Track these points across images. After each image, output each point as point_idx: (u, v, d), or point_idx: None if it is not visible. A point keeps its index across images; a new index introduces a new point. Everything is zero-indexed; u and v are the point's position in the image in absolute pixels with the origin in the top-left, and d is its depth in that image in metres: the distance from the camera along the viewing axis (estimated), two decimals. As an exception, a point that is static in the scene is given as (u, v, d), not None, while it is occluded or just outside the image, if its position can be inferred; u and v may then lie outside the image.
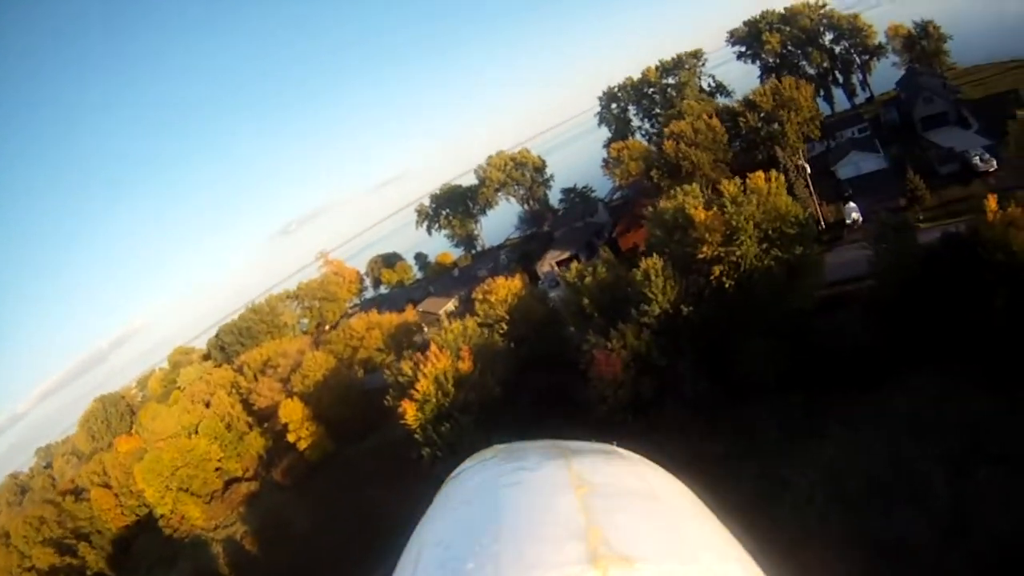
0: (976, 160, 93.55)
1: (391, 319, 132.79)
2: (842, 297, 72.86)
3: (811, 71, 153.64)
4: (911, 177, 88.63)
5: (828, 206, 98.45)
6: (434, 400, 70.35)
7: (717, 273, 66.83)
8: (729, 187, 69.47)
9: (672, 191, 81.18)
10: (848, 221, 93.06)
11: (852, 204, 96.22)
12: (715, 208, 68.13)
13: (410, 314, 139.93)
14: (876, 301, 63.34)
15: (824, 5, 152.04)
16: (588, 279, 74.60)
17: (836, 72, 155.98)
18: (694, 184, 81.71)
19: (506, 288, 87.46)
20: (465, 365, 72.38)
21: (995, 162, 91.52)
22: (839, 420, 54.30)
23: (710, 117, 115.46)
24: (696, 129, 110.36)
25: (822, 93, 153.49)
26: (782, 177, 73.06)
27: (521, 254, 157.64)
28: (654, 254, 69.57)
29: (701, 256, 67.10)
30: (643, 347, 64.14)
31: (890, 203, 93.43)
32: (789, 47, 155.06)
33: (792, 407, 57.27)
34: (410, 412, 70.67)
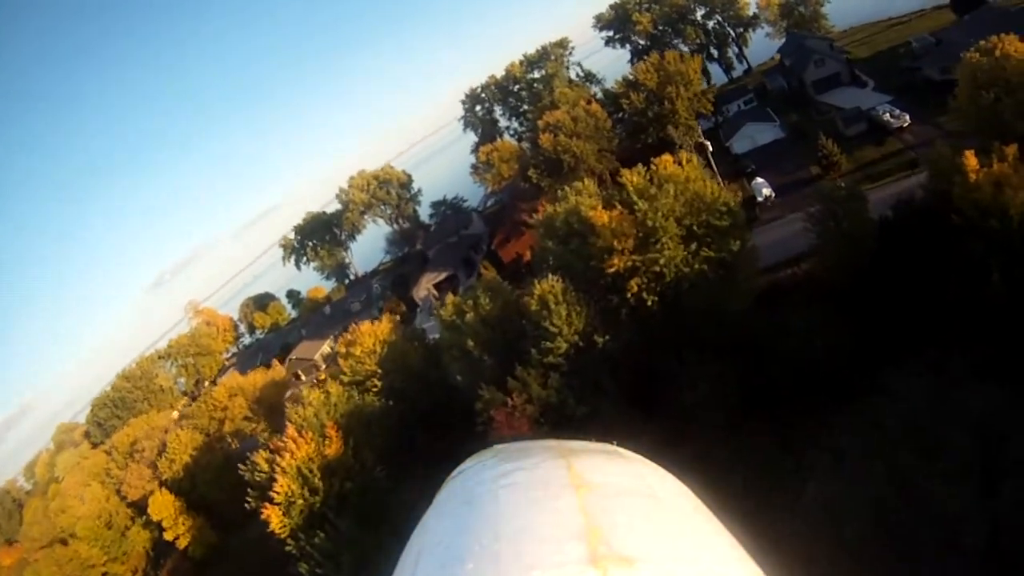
0: (887, 117, 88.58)
1: (255, 380, 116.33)
2: (779, 287, 64.27)
3: (685, 48, 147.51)
4: (824, 142, 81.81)
5: (731, 184, 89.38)
6: (300, 500, 55.21)
7: (635, 288, 55.52)
8: (632, 177, 58.40)
9: (558, 191, 69.02)
10: (760, 199, 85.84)
11: (760, 180, 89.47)
12: (619, 207, 56.12)
13: (276, 371, 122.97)
14: (827, 289, 54.96)
15: None
16: (469, 315, 61.87)
17: (711, 48, 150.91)
18: (586, 180, 69.49)
19: (372, 335, 73.40)
20: (333, 446, 57.83)
21: (907, 117, 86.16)
22: (821, 448, 44.10)
23: (588, 103, 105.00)
24: (575, 117, 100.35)
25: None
26: (695, 158, 62.22)
27: (395, 280, 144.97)
28: (549, 275, 57.55)
29: (611, 269, 55.51)
30: (553, 395, 52.05)
31: (800, 173, 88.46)
32: (660, 27, 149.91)
33: (759, 441, 45.52)
34: (274, 519, 55.84)
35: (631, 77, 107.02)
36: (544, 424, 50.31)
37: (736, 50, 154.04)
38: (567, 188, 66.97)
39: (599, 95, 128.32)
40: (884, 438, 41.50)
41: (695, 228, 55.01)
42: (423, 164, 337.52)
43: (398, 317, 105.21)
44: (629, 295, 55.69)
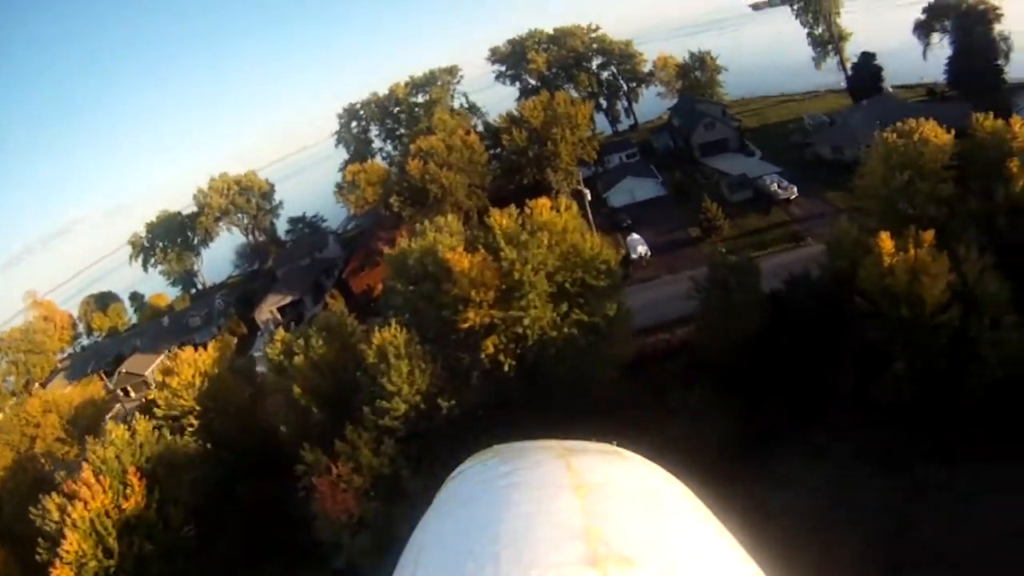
0: (774, 187, 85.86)
1: (71, 397, 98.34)
2: (650, 353, 58.90)
3: (576, 95, 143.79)
4: (707, 204, 77.61)
5: (605, 238, 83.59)
6: (93, 562, 43.93)
7: (491, 349, 47.63)
8: (502, 220, 50.78)
9: (419, 224, 60.08)
10: (634, 256, 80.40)
11: (636, 236, 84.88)
12: (483, 251, 47.86)
13: (94, 388, 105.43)
14: (707, 361, 50.30)
15: (597, 28, 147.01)
16: (299, 357, 51.73)
17: (601, 98, 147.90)
18: (450, 216, 60.54)
19: (193, 364, 61.34)
20: (134, 497, 46.22)
21: (795, 189, 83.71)
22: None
23: (467, 134, 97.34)
24: (450, 146, 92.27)
25: None
26: (574, 206, 55.19)
27: (239, 297, 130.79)
28: (394, 321, 48.75)
29: (466, 324, 47.49)
30: (386, 465, 43.54)
31: (679, 233, 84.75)
32: (554, 69, 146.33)
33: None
34: (63, 583, 42.81)
35: (517, 113, 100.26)
36: (373, 498, 42.28)
37: (625, 104, 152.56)
38: (427, 222, 57.95)
39: (480, 128, 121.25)
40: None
41: (568, 286, 47.84)
42: (294, 176, 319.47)
43: (235, 340, 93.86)
44: (484, 355, 47.54)
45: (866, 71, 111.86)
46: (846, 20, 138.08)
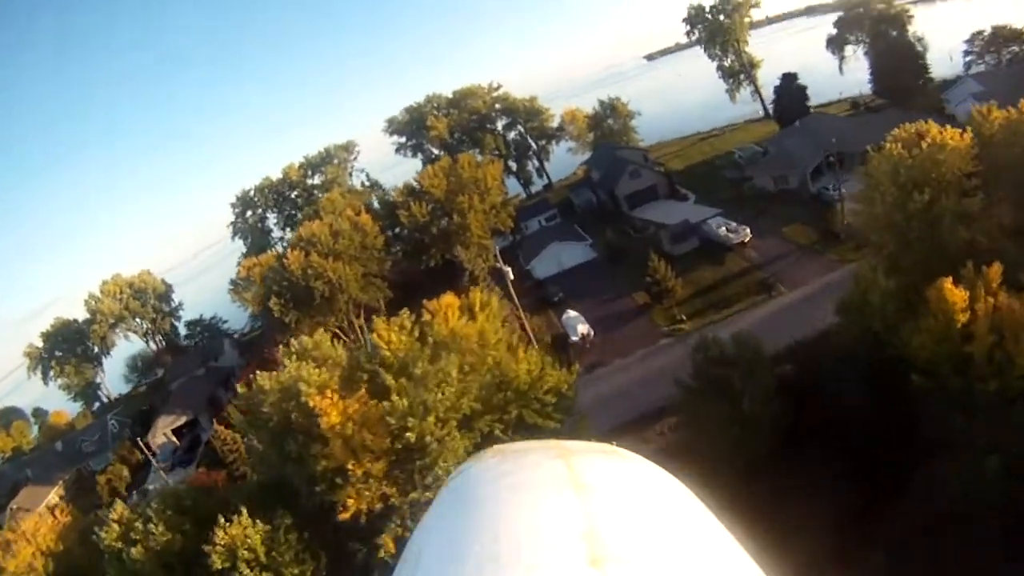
0: (723, 231, 72.44)
1: None
2: None
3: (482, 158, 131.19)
4: (655, 264, 61.39)
5: (533, 319, 68.59)
6: None
7: (391, 544, 31.43)
8: (389, 336, 35.34)
9: (292, 342, 42.80)
10: (574, 338, 64.91)
11: (573, 313, 69.12)
12: (366, 387, 32.02)
13: None
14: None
15: (499, 87, 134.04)
16: (139, 542, 36.65)
17: (510, 161, 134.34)
18: (319, 333, 42.76)
19: (34, 542, 47.42)
20: None
21: (748, 231, 71.16)
22: None
23: (358, 213, 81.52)
24: (336, 231, 75.74)
25: None
26: (494, 300, 40.07)
27: (136, 415, 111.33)
28: (245, 508, 33.82)
29: (346, 513, 32.06)
30: None
31: (623, 302, 70.24)
32: (457, 135, 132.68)
33: None
34: None
35: (415, 184, 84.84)
36: None
37: (537, 164, 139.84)
38: (293, 343, 40.98)
39: (383, 196, 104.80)
40: None
41: (500, 433, 31.49)
42: (200, 276, 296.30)
43: (126, 472, 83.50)
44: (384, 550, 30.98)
45: (790, 93, 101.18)
46: (752, 50, 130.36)
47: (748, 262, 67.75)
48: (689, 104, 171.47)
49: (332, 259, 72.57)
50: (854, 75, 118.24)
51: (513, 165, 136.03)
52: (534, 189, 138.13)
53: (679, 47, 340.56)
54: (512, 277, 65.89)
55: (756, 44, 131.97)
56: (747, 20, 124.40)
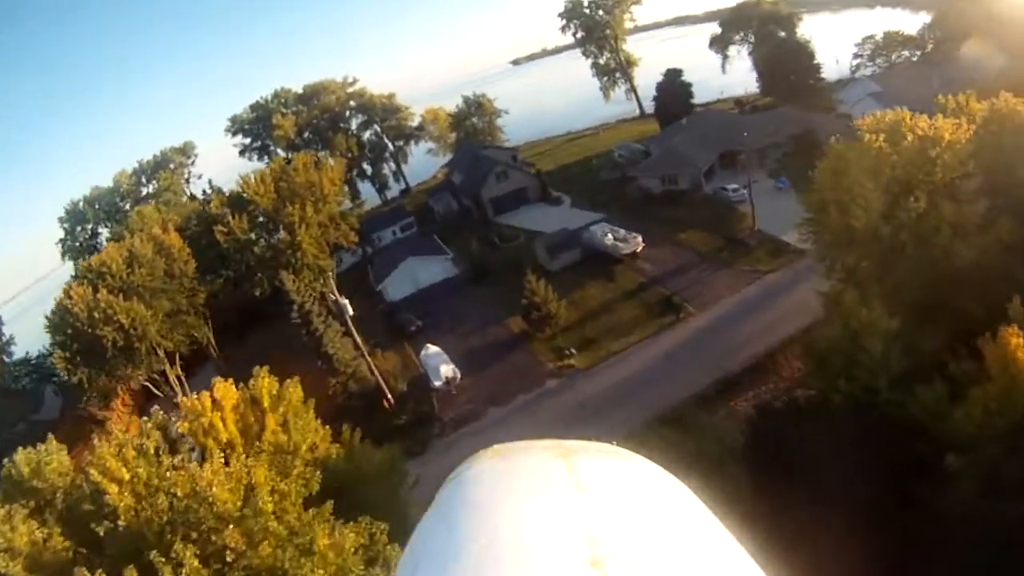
0: (610, 240, 58.86)
1: None
2: None
3: (333, 163, 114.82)
4: (533, 284, 47.67)
5: (387, 355, 54.18)
6: None
7: None
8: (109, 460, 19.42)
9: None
10: (437, 383, 49.70)
11: (433, 349, 53.75)
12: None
13: None
14: None
15: (354, 82, 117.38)
16: None
17: (364, 163, 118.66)
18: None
19: None
20: None
21: (640, 239, 58.89)
22: None
23: (165, 230, 63.94)
24: (133, 257, 57.98)
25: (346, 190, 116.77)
26: (295, 389, 24.69)
27: None
28: None
29: None
30: None
31: (494, 330, 56.15)
32: (307, 134, 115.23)
33: None
34: None
35: (239, 190, 67.40)
36: None
37: (394, 167, 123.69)
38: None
39: (202, 207, 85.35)
40: None
41: None
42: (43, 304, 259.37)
43: None
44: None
45: (673, 89, 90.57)
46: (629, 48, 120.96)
47: (643, 276, 55.84)
48: (557, 106, 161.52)
49: (127, 295, 54.66)
50: (736, 75, 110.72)
51: (368, 168, 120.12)
52: (391, 194, 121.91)
53: (546, 52, 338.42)
54: (351, 312, 50.16)
55: (628, 49, 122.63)
56: (627, 16, 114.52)
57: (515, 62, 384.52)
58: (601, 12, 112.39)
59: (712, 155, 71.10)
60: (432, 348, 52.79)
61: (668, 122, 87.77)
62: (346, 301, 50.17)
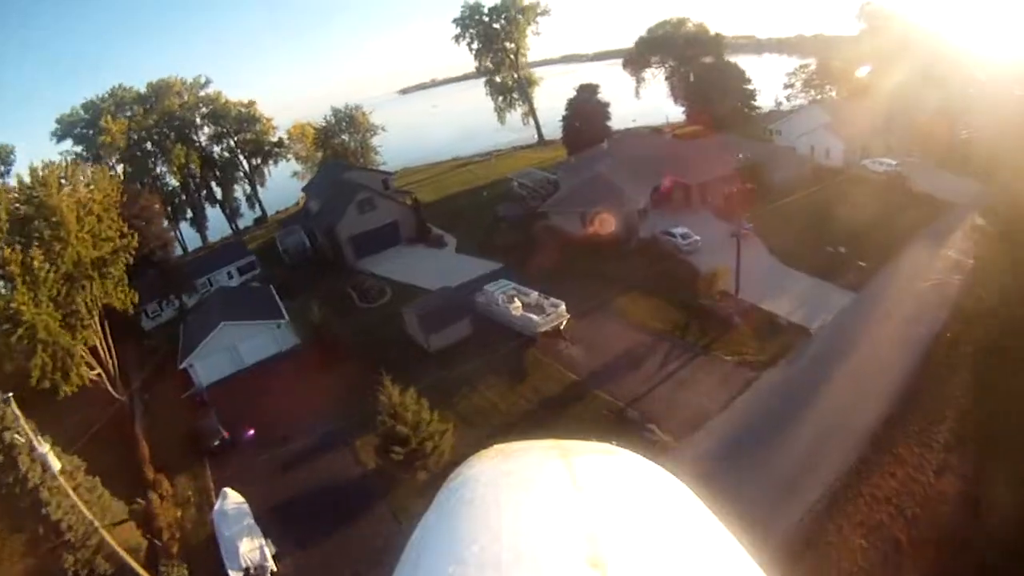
0: (517, 310, 39.83)
1: None
2: None
3: (175, 182, 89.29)
4: (392, 400, 25.13)
5: (176, 483, 30.56)
6: None
7: None
8: None
9: None
10: (233, 573, 26.11)
11: (233, 502, 30.00)
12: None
13: None
14: None
15: (207, 83, 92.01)
16: None
17: (213, 183, 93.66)
18: None
19: None
20: None
21: (563, 308, 39.40)
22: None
23: None
24: None
25: (189, 215, 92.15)
26: None
27: None
28: None
29: None
30: None
31: (340, 460, 32.71)
32: (148, 145, 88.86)
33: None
34: None
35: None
36: None
37: (249, 189, 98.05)
38: None
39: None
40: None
41: None
42: None
43: None
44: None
45: (588, 109, 71.23)
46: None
47: (573, 371, 34.36)
48: (444, 132, 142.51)
49: None
50: (648, 102, 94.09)
51: (217, 189, 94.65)
52: (245, 223, 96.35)
53: (435, 83, 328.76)
54: (57, 466, 26.04)
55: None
56: (530, 28, 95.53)
57: (403, 91, 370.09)
58: (504, 20, 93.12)
59: (644, 189, 51.88)
60: (232, 499, 29.43)
61: (579, 148, 68.38)
62: (46, 450, 25.86)
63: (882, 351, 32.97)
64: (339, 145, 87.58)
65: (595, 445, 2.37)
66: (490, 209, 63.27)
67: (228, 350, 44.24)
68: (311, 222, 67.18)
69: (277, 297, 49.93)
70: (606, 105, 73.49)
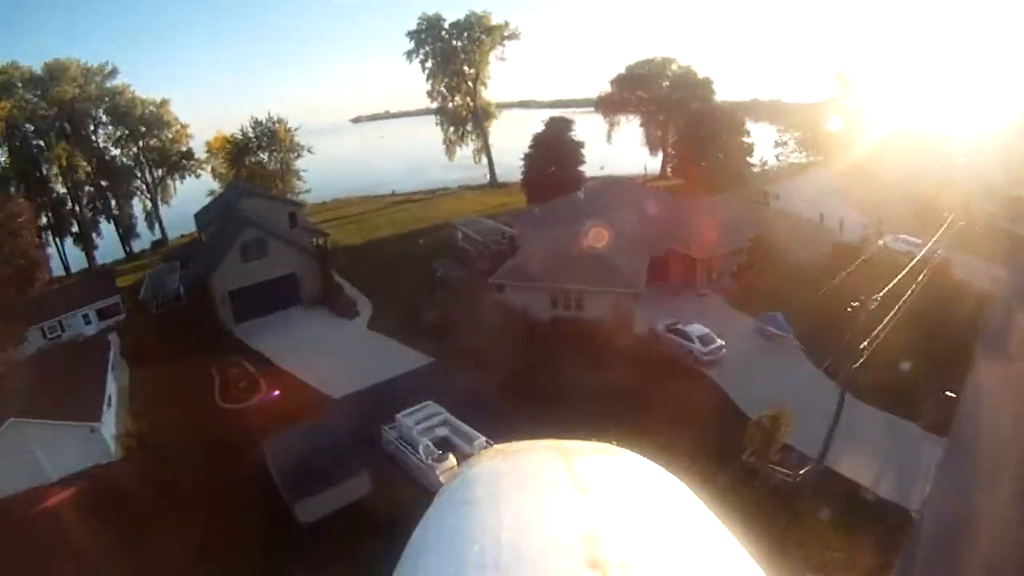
0: (445, 462, 21.98)
1: None
2: None
3: (63, 189, 73.24)
4: None
5: None
6: None
7: None
8: None
9: None
10: None
11: None
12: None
13: None
14: None
15: (112, 71, 74.42)
16: None
17: (108, 192, 75.62)
18: None
19: None
20: None
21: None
22: None
23: None
24: None
25: (75, 228, 74.20)
26: None
27: None
28: None
29: None
30: None
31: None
32: (34, 139, 70.45)
33: None
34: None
35: None
36: None
37: (150, 205, 79.14)
38: None
39: None
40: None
41: None
42: None
43: None
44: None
45: (558, 148, 56.52)
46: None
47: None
48: (387, 164, 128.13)
49: None
50: (616, 148, 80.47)
51: (112, 199, 75.92)
52: (142, 244, 78.03)
53: (388, 115, 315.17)
54: None
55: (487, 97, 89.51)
56: (494, 52, 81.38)
57: (355, 119, 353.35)
58: (466, 38, 78.70)
59: (639, 261, 37.08)
60: None
61: (545, 194, 53.58)
62: None
63: None
64: (255, 164, 70.68)
65: (596, 445, 2.16)
66: (426, 264, 47.25)
67: (24, 459, 27.27)
68: (194, 258, 50.06)
69: (111, 372, 33.02)
70: (580, 145, 59.06)
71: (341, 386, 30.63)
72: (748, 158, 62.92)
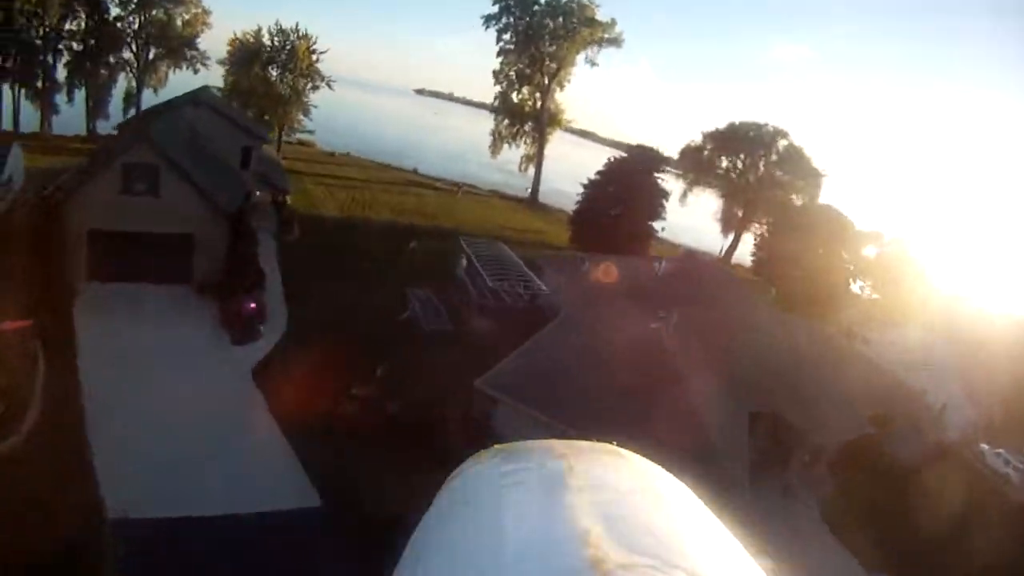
0: None
1: None
2: None
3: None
4: None
5: None
6: None
7: None
8: None
9: None
10: None
11: None
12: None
13: None
14: None
15: None
16: None
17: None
18: None
19: None
20: None
21: None
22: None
23: None
24: None
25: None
26: None
27: None
28: None
29: None
30: None
31: None
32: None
33: None
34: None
35: None
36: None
37: (134, 85, 63.11)
38: None
39: None
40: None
41: None
42: None
43: None
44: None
45: (637, 185, 40.73)
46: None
47: None
48: (426, 140, 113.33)
49: None
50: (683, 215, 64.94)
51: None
52: (107, 128, 59.47)
53: (452, 97, 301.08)
54: None
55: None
56: (586, 51, 66.00)
57: (419, 91, 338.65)
58: (560, 23, 63.15)
59: (740, 418, 21.31)
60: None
61: (600, 241, 37.76)
62: None
63: None
64: (256, 77, 54.60)
65: (597, 445, 1.93)
66: (401, 284, 31.44)
67: None
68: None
69: None
70: (664, 195, 43.25)
71: (132, 489, 14.72)
72: (850, 280, 47.28)
